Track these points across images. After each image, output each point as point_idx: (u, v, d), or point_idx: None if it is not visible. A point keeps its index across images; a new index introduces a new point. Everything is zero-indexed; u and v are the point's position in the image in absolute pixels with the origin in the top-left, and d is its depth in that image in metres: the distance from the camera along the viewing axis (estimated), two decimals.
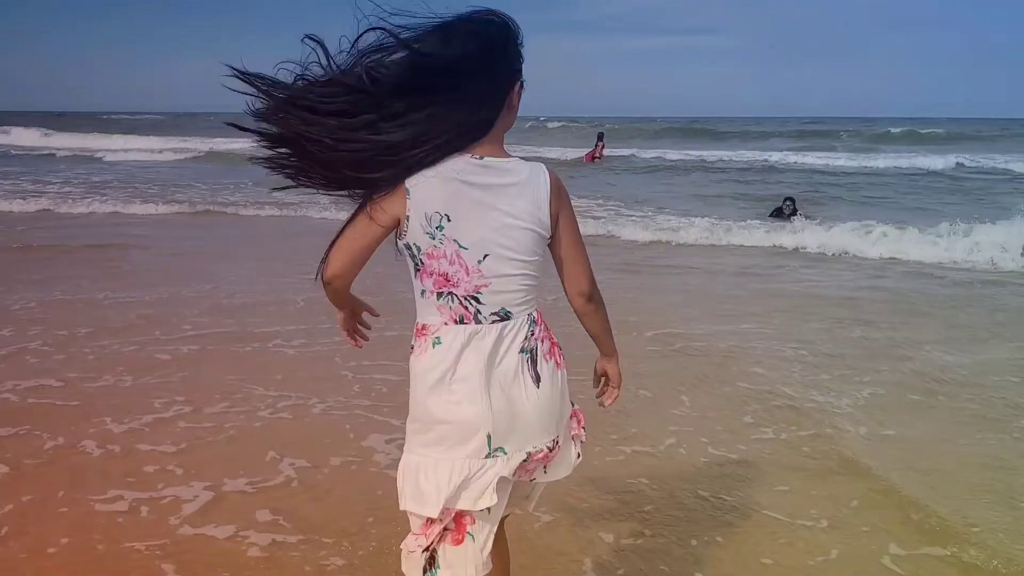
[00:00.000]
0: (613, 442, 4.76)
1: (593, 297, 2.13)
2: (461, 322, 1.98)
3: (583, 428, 2.32)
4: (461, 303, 1.97)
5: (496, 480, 1.98)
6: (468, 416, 1.96)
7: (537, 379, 2.02)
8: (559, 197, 2.01)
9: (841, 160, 29.47)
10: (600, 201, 17.88)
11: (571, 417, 2.25)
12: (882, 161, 29.13)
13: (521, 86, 2.00)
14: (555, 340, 2.14)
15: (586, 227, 10.73)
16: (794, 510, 3.97)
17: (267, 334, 6.91)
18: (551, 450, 2.09)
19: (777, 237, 12.71)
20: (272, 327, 7.11)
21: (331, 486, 4.19)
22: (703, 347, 6.69)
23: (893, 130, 44.48)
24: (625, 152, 30.80)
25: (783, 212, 15.03)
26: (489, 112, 1.93)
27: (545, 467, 2.16)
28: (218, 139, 36.91)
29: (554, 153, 31.13)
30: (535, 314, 2.07)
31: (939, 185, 23.39)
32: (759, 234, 13.07)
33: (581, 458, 2.32)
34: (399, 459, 2.13)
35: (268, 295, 8.39)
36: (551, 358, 2.08)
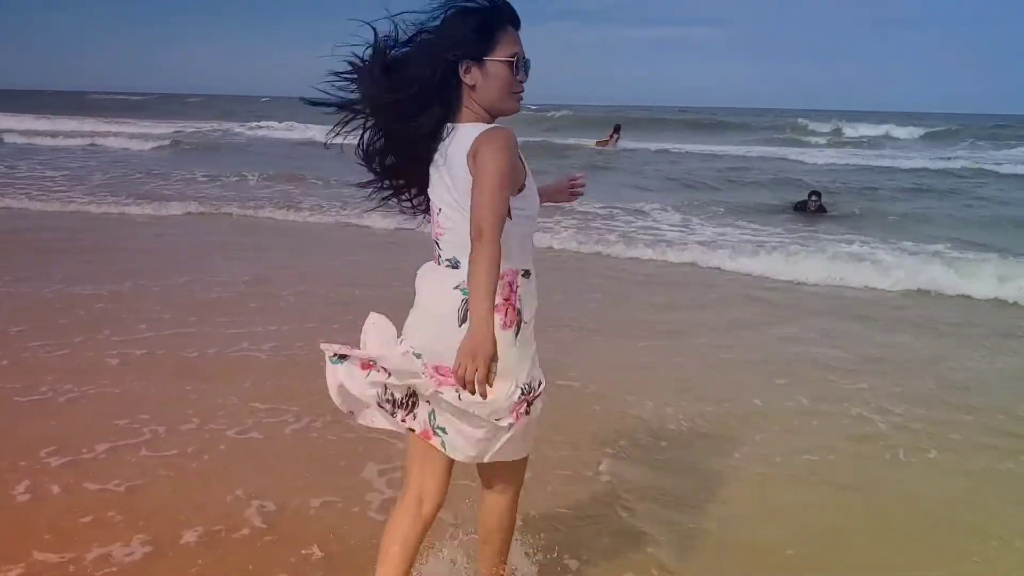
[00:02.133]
0: None
1: (482, 239, 2.00)
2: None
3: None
4: (434, 247, 2.26)
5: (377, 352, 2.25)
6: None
7: (461, 320, 2.12)
8: (481, 146, 2.04)
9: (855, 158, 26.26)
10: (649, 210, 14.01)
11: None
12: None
13: (476, 62, 2.09)
14: (513, 304, 2.18)
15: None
16: None
17: (235, 336, 5.92)
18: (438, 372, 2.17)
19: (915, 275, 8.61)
20: (244, 327, 6.11)
21: (312, 536, 3.22)
22: None
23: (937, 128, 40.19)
24: (652, 146, 28.08)
25: (807, 207, 13.89)
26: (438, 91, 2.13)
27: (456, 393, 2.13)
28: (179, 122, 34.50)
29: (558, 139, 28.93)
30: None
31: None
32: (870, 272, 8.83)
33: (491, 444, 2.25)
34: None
35: (250, 288, 7.41)
36: (497, 313, 2.09)
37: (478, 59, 2.08)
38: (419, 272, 2.30)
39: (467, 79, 2.10)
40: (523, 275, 2.21)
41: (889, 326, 6.97)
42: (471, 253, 2.01)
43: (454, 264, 2.18)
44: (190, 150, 24.65)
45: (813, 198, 13.95)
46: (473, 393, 2.00)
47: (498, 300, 2.07)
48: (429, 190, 2.24)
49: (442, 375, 2.15)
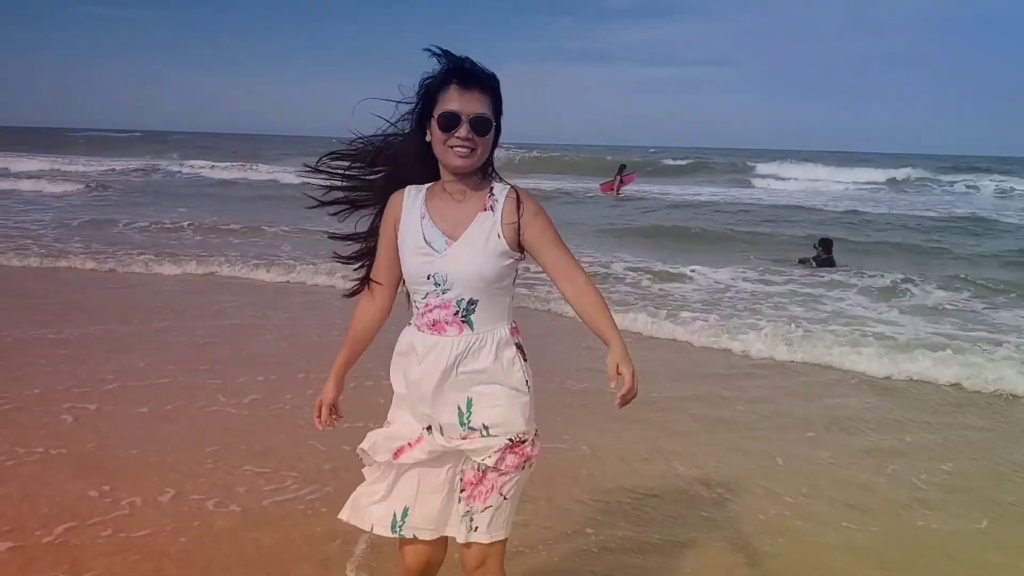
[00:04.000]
0: None
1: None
2: None
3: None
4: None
5: None
6: None
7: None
8: None
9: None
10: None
11: None
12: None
13: (428, 121, 2.22)
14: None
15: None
16: None
17: (213, 387, 5.42)
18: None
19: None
20: (219, 378, 5.62)
21: None
22: None
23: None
24: (656, 188, 27.29)
25: (810, 260, 12.27)
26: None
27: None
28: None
29: (568, 184, 28.52)
30: None
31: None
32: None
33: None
34: None
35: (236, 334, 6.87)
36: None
37: (427, 118, 2.21)
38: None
39: (428, 137, 2.23)
40: (409, 325, 2.33)
41: None
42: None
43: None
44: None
45: (819, 247, 12.44)
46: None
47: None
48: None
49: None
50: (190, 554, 3.32)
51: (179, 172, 31.90)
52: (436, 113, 2.16)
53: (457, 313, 2.18)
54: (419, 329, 2.23)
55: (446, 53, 2.16)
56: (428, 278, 2.19)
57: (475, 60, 2.17)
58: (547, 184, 26.84)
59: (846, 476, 4.48)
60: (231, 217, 15.79)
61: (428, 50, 2.16)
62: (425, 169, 2.27)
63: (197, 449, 4.40)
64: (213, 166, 33.93)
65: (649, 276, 10.89)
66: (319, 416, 2.39)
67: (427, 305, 2.20)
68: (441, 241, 2.18)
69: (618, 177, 26.29)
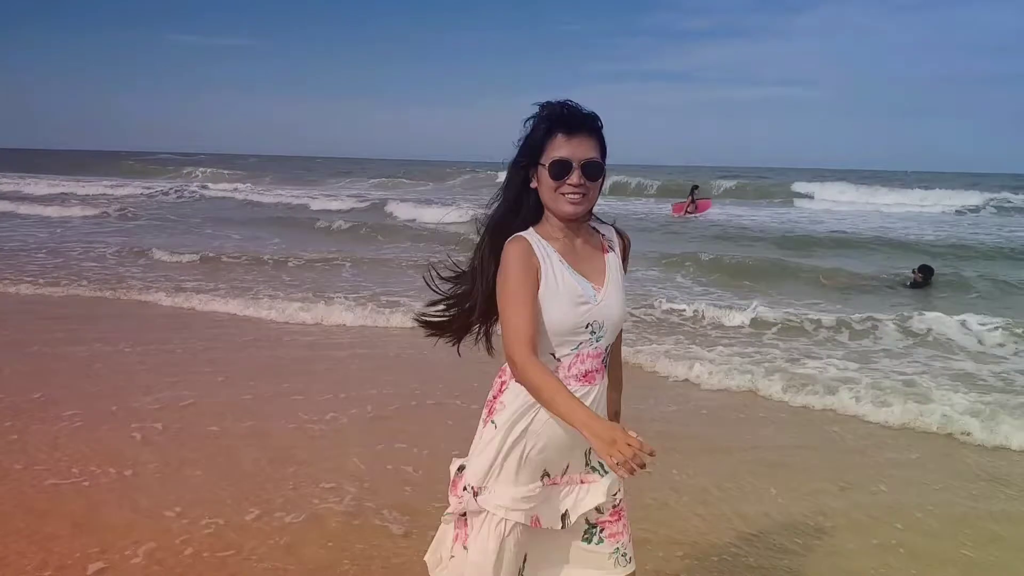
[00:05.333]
0: None
1: (518, 367, 2.07)
2: None
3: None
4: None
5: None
6: None
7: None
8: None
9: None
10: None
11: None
12: None
13: (534, 167, 2.19)
14: (493, 408, 2.25)
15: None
16: None
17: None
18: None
19: None
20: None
21: None
22: None
23: None
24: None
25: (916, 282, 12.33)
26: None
27: None
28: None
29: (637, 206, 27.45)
30: (500, 367, 2.27)
31: None
32: None
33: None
34: None
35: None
36: (485, 408, 2.29)
37: (534, 164, 2.19)
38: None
39: (533, 184, 2.21)
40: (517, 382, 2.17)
41: None
42: (524, 387, 2.10)
43: None
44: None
45: (920, 272, 12.45)
46: (641, 467, 1.84)
47: (489, 396, 2.28)
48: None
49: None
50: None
51: None
52: (546, 161, 2.14)
53: (604, 360, 2.22)
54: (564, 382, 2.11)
55: (547, 104, 2.17)
56: (587, 327, 2.16)
57: (575, 102, 2.16)
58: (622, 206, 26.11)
59: None
60: None
61: (536, 107, 2.18)
62: (516, 218, 2.23)
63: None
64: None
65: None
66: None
67: (578, 356, 2.17)
68: (590, 289, 2.17)
69: (691, 198, 25.84)
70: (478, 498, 2.19)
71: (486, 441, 2.20)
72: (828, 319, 9.13)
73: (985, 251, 17.36)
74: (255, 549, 3.67)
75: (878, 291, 11.99)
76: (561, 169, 2.12)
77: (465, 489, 2.22)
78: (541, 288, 2.12)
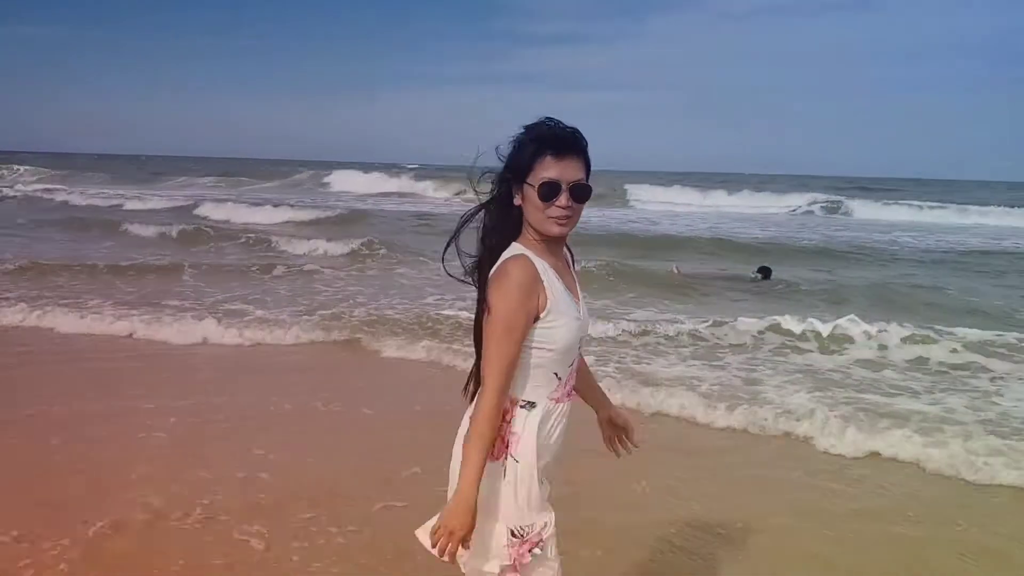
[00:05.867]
0: None
1: (484, 397, 2.08)
2: None
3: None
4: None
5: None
6: None
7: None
8: (491, 284, 2.14)
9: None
10: None
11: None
12: None
13: (519, 186, 2.18)
14: (504, 437, 2.16)
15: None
16: None
17: None
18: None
19: None
20: None
21: None
22: None
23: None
24: None
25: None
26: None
27: None
28: None
29: None
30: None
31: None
32: None
33: None
34: None
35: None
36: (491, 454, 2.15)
37: (519, 183, 2.18)
38: None
39: (516, 201, 2.20)
40: (524, 407, 2.17)
41: None
42: (475, 405, 2.11)
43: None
44: None
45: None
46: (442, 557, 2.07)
47: (498, 439, 2.15)
48: None
49: None
50: None
51: None
52: (535, 182, 2.14)
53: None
54: (559, 402, 2.21)
55: (536, 124, 2.17)
56: (579, 343, 2.25)
57: (561, 121, 2.17)
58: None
59: None
60: None
61: (528, 127, 2.17)
62: (500, 236, 2.23)
63: None
64: None
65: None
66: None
67: (571, 372, 2.23)
68: (574, 304, 2.22)
69: None
70: (530, 531, 2.16)
71: (511, 481, 2.14)
72: (671, 319, 9.03)
73: (815, 249, 17.99)
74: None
75: (721, 292, 11.97)
76: (550, 191, 2.13)
77: (515, 536, 2.15)
78: (549, 306, 2.13)
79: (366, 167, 49.27)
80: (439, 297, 10.29)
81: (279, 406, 5.90)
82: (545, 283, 2.13)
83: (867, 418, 5.71)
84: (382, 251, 14.80)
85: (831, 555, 3.91)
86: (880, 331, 8.19)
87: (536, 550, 2.16)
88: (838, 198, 35.10)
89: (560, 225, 2.15)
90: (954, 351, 7.71)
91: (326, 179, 44.02)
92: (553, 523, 2.20)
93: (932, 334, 8.10)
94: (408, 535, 2.28)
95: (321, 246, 15.47)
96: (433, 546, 2.08)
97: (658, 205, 33.92)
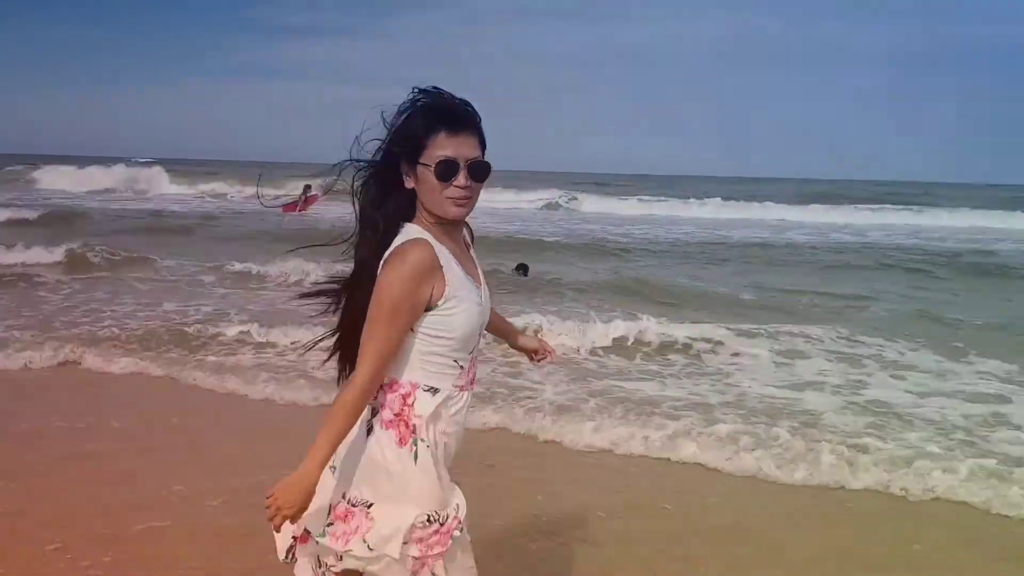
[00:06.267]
0: None
1: (352, 381, 2.00)
2: None
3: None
4: None
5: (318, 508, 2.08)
6: None
7: (369, 430, 2.09)
8: (384, 266, 2.01)
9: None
10: None
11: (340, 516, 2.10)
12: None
13: (411, 165, 2.03)
14: (406, 420, 2.07)
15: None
16: None
17: None
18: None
19: None
20: None
21: None
22: None
23: None
24: None
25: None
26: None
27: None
28: None
29: None
30: (388, 380, 2.08)
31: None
32: None
33: None
34: None
35: None
36: (391, 429, 2.07)
37: (412, 163, 2.04)
38: None
39: (407, 183, 2.07)
40: (427, 391, 2.08)
41: None
42: (344, 387, 2.02)
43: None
44: None
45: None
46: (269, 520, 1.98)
47: (389, 415, 2.07)
48: None
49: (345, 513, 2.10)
50: None
51: None
52: (430, 161, 2.00)
53: None
54: (463, 389, 2.13)
55: (428, 92, 2.02)
56: (480, 329, 2.15)
57: (450, 92, 2.03)
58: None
59: None
60: None
61: (417, 91, 2.03)
62: (387, 216, 2.09)
63: None
64: None
65: None
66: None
67: (472, 360, 2.15)
68: (476, 289, 2.13)
69: (303, 197, 25.51)
70: (446, 515, 2.10)
71: (423, 466, 2.06)
72: None
73: (567, 245, 18.54)
74: None
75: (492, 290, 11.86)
76: (447, 170, 2.00)
77: (431, 521, 2.06)
78: (448, 293, 2.03)
79: (82, 162, 44.63)
80: (182, 304, 9.37)
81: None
82: (444, 269, 2.02)
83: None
84: (99, 256, 12.68)
85: None
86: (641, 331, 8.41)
87: (455, 532, 2.11)
88: (575, 194, 37.07)
89: (459, 206, 2.03)
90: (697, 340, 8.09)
91: (34, 174, 39.65)
92: (464, 503, 2.15)
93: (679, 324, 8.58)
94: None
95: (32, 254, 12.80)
96: (266, 508, 1.97)
97: None
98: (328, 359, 2.24)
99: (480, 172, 2.03)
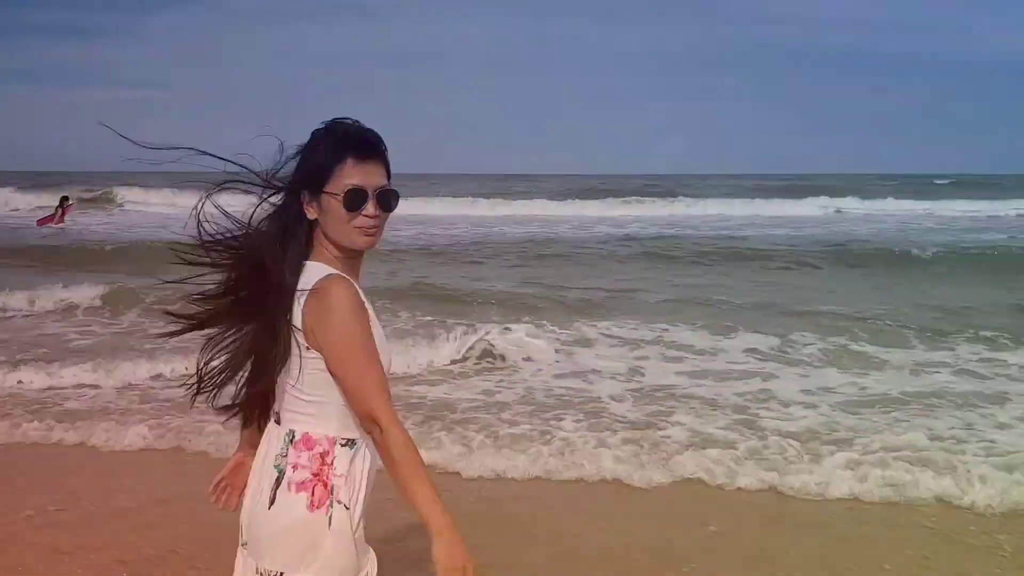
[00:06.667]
0: None
1: (383, 427, 1.82)
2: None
3: None
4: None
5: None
6: None
7: (271, 501, 1.93)
8: (318, 309, 1.87)
9: None
10: None
11: None
12: None
13: (314, 196, 1.93)
14: (325, 481, 1.91)
15: None
16: None
17: None
18: None
19: None
20: None
21: None
22: None
23: None
24: None
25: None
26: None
27: None
28: None
29: None
30: (300, 436, 1.94)
31: None
32: None
33: None
34: None
35: None
36: (302, 491, 1.91)
37: (315, 193, 1.93)
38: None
39: (309, 214, 1.96)
40: (345, 445, 1.94)
41: None
42: (381, 452, 1.85)
43: (277, 419, 2.00)
44: None
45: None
46: None
47: (304, 475, 1.92)
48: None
49: None
50: None
51: None
52: (338, 190, 1.90)
53: None
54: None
55: (334, 124, 1.95)
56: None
57: (359, 121, 1.97)
58: None
59: None
60: None
61: (330, 122, 1.96)
62: (283, 252, 1.94)
63: None
64: None
65: None
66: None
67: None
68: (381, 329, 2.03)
69: (59, 209, 23.73)
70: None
71: (337, 531, 1.90)
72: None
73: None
74: None
75: None
76: (356, 199, 1.91)
77: None
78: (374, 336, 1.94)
79: None
80: None
81: None
82: (369, 311, 1.94)
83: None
84: None
85: None
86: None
87: None
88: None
89: (368, 235, 1.95)
90: None
91: None
92: (376, 567, 2.04)
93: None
94: None
95: None
96: None
97: (155, 208, 31.55)
98: (235, 412, 2.08)
99: (389, 201, 1.95)
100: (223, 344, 1.99)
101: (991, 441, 5.28)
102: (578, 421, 5.69)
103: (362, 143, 1.94)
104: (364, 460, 1.96)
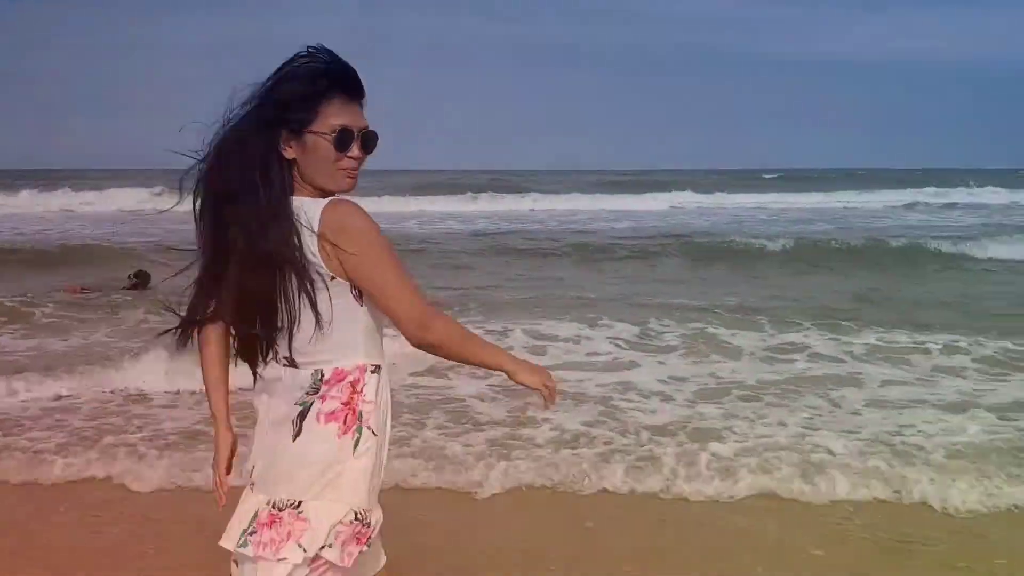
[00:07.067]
0: None
1: (429, 326, 1.87)
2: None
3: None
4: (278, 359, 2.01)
5: (243, 516, 1.94)
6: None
7: (297, 433, 1.91)
8: (336, 230, 1.82)
9: None
10: None
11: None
12: None
13: (295, 135, 1.87)
14: (355, 408, 1.91)
15: None
16: None
17: None
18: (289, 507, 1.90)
19: None
20: None
21: None
22: None
23: None
24: None
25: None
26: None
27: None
28: None
29: None
30: (331, 372, 1.91)
31: None
32: None
33: None
34: None
35: None
36: (332, 421, 1.90)
37: (297, 131, 1.87)
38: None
39: (287, 153, 1.89)
40: (373, 372, 1.94)
41: None
42: (427, 338, 1.86)
43: (291, 363, 1.94)
44: None
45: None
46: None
47: (334, 405, 1.90)
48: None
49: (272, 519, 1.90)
50: None
51: None
52: (327, 129, 1.86)
53: None
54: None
55: (318, 52, 1.86)
56: None
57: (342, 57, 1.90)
58: None
59: None
60: None
61: (310, 51, 1.86)
62: (268, 192, 1.88)
63: None
64: None
65: None
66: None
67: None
68: None
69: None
70: (373, 518, 1.94)
71: (362, 456, 1.90)
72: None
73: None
74: None
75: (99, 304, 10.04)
76: (346, 139, 1.88)
77: (357, 520, 1.89)
78: None
79: None
80: None
81: None
82: None
83: None
84: None
85: None
86: None
87: (364, 547, 1.93)
88: None
89: (352, 178, 1.93)
90: None
91: None
92: (381, 519, 2.00)
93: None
94: None
95: None
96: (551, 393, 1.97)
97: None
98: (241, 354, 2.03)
99: (371, 142, 1.94)
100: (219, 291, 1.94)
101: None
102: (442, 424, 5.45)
103: (351, 80, 1.91)
104: (386, 388, 1.98)
